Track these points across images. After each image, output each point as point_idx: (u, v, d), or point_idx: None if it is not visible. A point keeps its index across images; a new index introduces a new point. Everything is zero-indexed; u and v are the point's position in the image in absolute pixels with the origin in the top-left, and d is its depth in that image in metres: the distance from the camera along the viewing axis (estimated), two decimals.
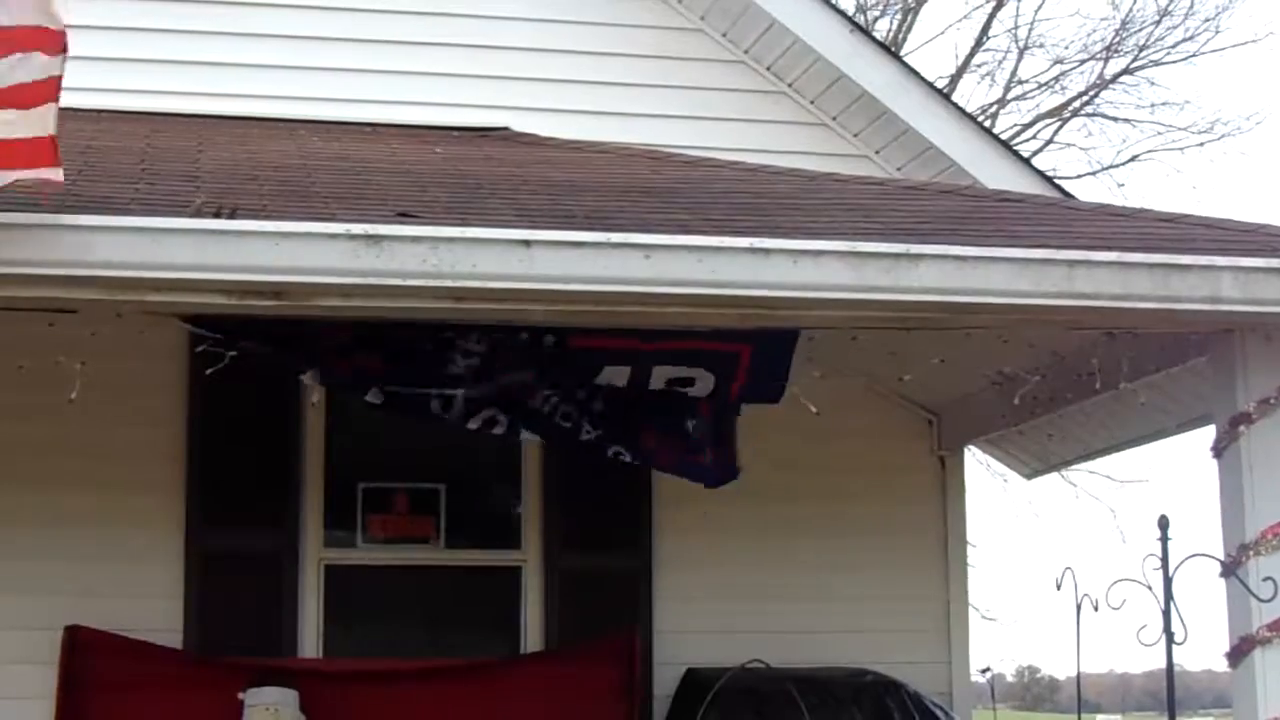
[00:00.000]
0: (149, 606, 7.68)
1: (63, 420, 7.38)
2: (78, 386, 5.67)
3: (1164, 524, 6.75)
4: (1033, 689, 57.56)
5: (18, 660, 7.46)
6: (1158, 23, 24.85)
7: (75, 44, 7.96)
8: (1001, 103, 25.12)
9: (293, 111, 8.20)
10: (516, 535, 8.16)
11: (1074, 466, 8.73)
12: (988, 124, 16.51)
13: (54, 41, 4.67)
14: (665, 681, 7.93)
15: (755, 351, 6.18)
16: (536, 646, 8.03)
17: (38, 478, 7.62)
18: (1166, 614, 6.45)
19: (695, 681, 7.71)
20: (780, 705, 7.40)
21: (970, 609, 8.83)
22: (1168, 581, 6.48)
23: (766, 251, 5.25)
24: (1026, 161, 9.21)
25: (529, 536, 8.12)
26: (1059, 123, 25.45)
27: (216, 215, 5.02)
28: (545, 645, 8.02)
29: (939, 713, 7.79)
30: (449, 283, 5.04)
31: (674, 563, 8.14)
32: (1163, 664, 6.96)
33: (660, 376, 6.30)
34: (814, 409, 6.35)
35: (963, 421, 8.36)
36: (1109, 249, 5.60)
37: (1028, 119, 25.30)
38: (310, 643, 7.88)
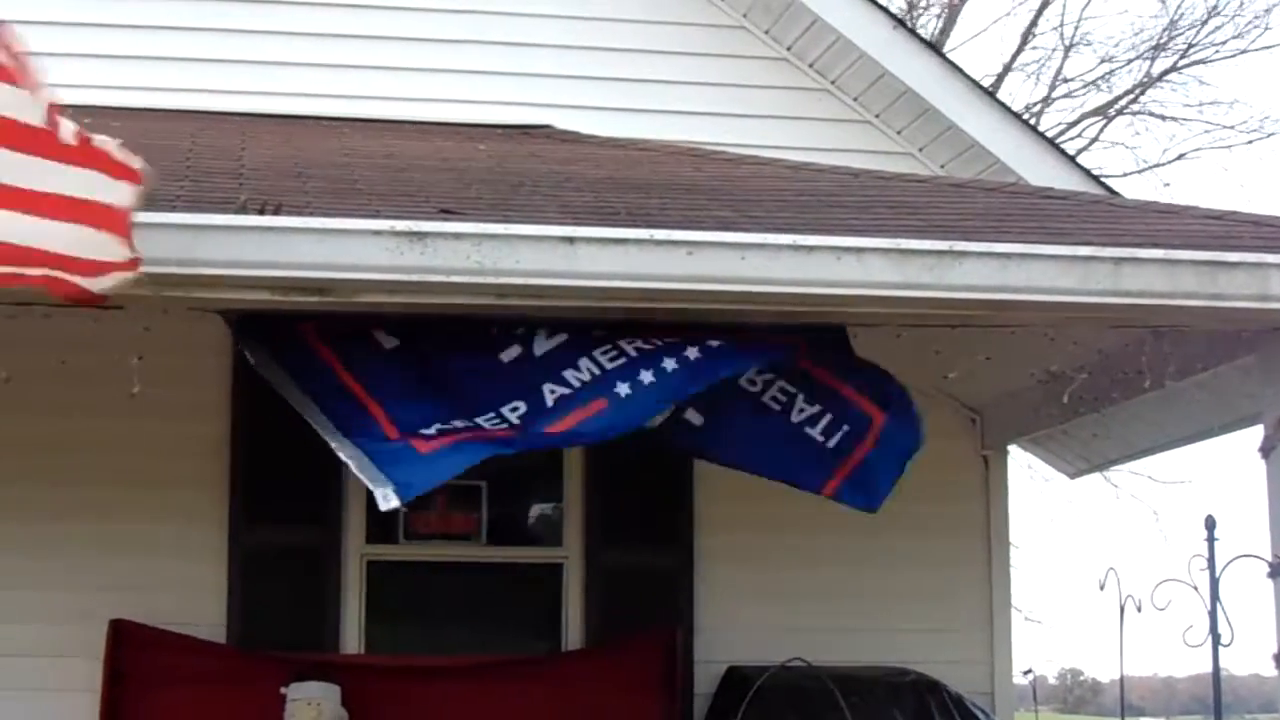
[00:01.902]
0: (193, 601, 7.71)
1: (107, 416, 7.44)
2: (136, 382, 5.69)
3: (1210, 524, 6.72)
4: (1075, 691, 57.29)
5: (64, 654, 7.51)
6: (1206, 21, 24.70)
7: (120, 43, 8.11)
8: (1047, 101, 25.05)
9: (336, 110, 8.23)
10: (558, 532, 8.16)
11: (1118, 466, 8.66)
12: (1032, 122, 16.41)
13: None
14: (706, 679, 7.92)
15: (809, 345, 6.12)
16: (577, 643, 8.04)
17: (82, 473, 7.66)
18: (1213, 615, 6.43)
19: (736, 679, 7.70)
20: (821, 704, 7.39)
21: (1013, 610, 8.77)
22: (1214, 582, 6.46)
23: (809, 248, 5.25)
24: (1071, 159, 9.17)
25: (570, 533, 8.12)
26: (1104, 121, 25.35)
27: (261, 212, 5.04)
28: (586, 642, 8.02)
29: (980, 714, 7.76)
30: (492, 279, 5.05)
31: (716, 560, 8.13)
32: (1208, 668, 6.93)
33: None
34: None
35: (1006, 420, 8.33)
36: (1155, 246, 5.57)
37: (1073, 117, 25.21)
38: (352, 638, 7.89)
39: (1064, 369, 7.06)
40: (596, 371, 5.95)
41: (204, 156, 6.56)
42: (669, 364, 6.03)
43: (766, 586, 8.14)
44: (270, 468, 7.80)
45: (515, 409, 5.82)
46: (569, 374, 5.90)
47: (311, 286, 5.06)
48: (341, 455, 5.68)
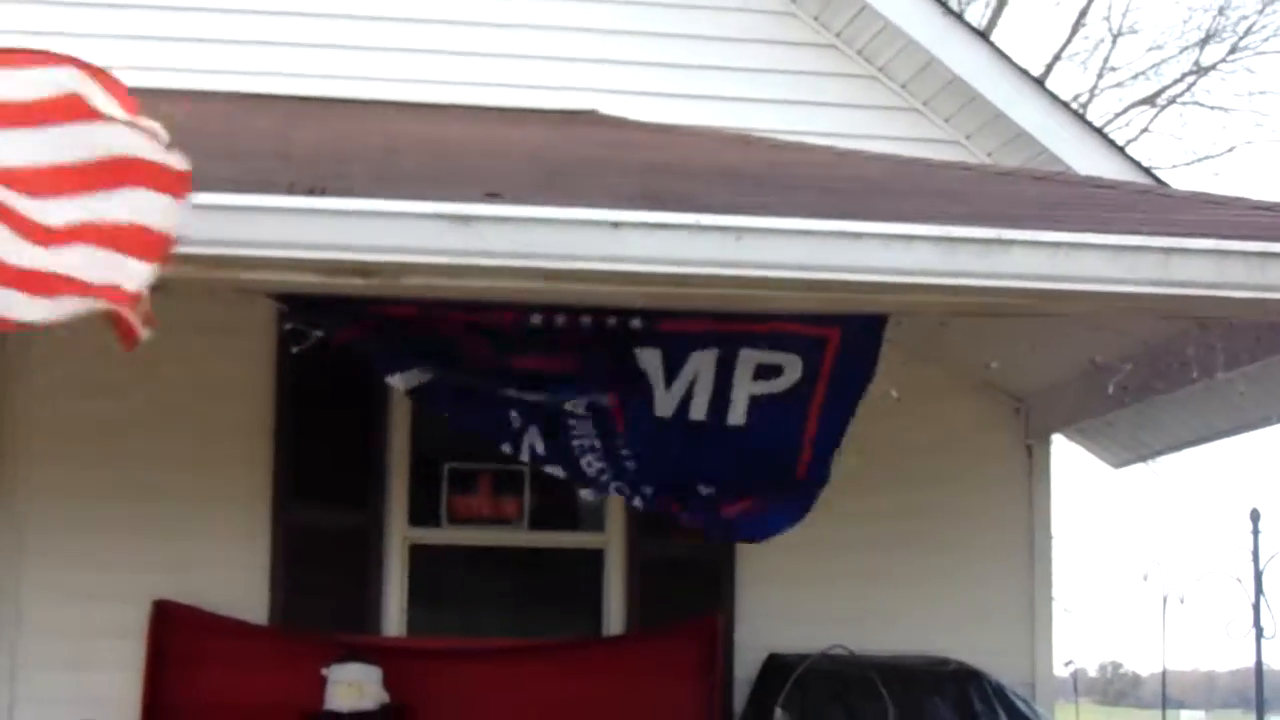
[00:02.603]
0: (235, 582, 7.76)
1: (151, 396, 7.48)
2: (178, 360, 5.71)
3: (1255, 517, 6.68)
4: (1115, 684, 57.17)
5: (107, 634, 7.57)
6: (1261, 10, 24.52)
7: (167, 24, 8.12)
8: (1094, 90, 24.92)
9: (381, 93, 8.22)
10: (600, 518, 8.16)
11: (1162, 457, 8.61)
12: (1080, 112, 16.33)
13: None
14: (746, 665, 7.92)
15: (844, 336, 6.11)
16: (618, 629, 8.05)
17: (126, 453, 7.70)
18: (1257, 608, 6.39)
19: (777, 666, 7.70)
20: (862, 691, 7.38)
21: (1053, 601, 8.74)
22: (1258, 575, 6.41)
23: (857, 235, 5.21)
24: (1120, 148, 9.12)
25: (612, 519, 8.12)
26: (1154, 111, 25.22)
27: (308, 193, 5.03)
28: (626, 628, 8.03)
29: (1021, 704, 7.74)
30: (538, 263, 5.02)
31: (757, 547, 8.08)
32: (1250, 662, 6.89)
33: (748, 362, 6.22)
34: (895, 394, 6.31)
35: (1051, 410, 8.29)
36: (1204, 236, 5.52)
37: (1121, 107, 25.09)
38: (394, 621, 7.92)
39: (1110, 359, 7.03)
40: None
41: (250, 139, 6.57)
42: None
43: (807, 574, 8.13)
44: (314, 450, 7.83)
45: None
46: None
47: (357, 269, 5.05)
48: None
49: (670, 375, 6.27)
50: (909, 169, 7.18)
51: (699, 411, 6.40)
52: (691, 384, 6.33)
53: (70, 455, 7.68)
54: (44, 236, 4.33)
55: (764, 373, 6.27)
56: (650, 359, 6.20)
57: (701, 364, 6.26)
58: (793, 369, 6.29)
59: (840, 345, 6.15)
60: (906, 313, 5.84)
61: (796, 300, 5.47)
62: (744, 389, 6.32)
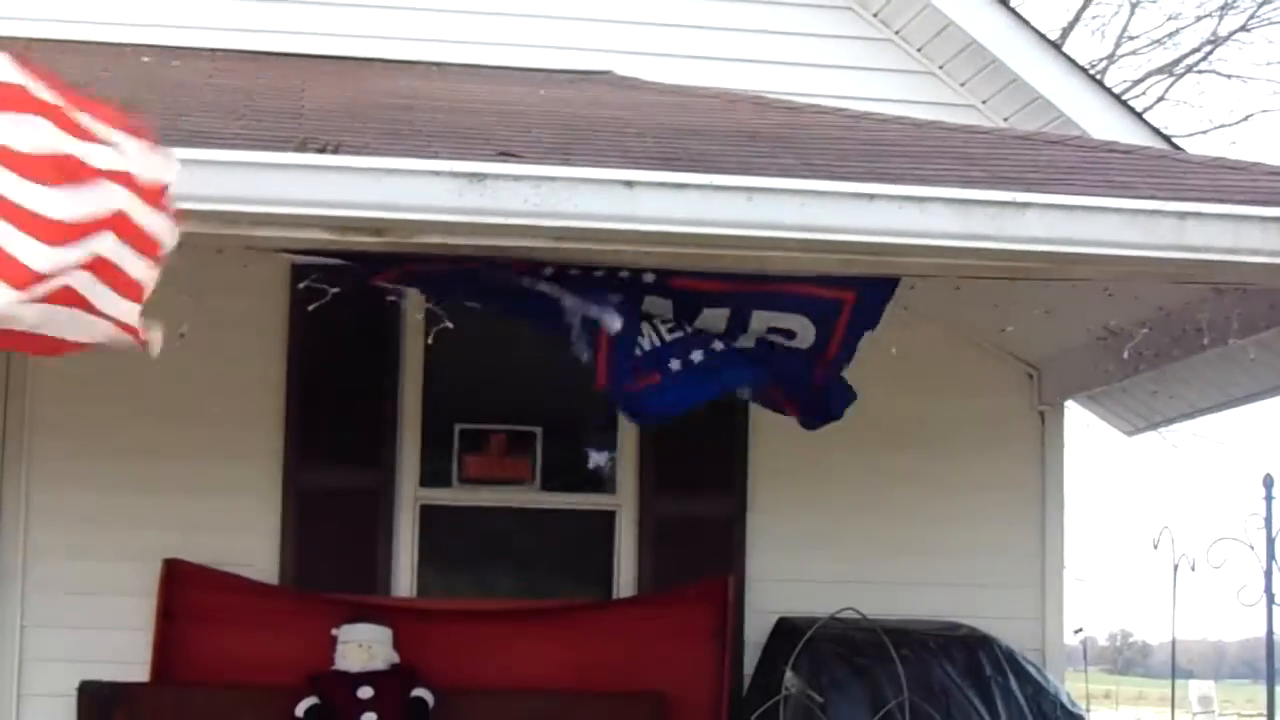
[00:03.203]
0: (246, 541, 7.76)
1: (164, 356, 7.43)
2: (186, 321, 5.68)
3: (1269, 483, 6.65)
4: (1125, 653, 57.26)
5: (118, 591, 7.57)
6: None
7: None
8: (1111, 58, 24.81)
9: (396, 52, 8.20)
10: (611, 479, 8.16)
11: (1176, 424, 8.60)
12: (1097, 77, 16.26)
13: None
14: (757, 628, 7.91)
15: (859, 298, 6.08)
16: (629, 591, 8.05)
17: (136, 412, 7.70)
18: (1268, 574, 6.38)
19: (787, 629, 7.69)
20: (872, 655, 7.37)
21: (1064, 568, 8.73)
22: (1270, 542, 6.40)
23: (871, 196, 5.20)
24: (1136, 114, 9.09)
25: (624, 481, 8.12)
26: (1171, 79, 25.12)
27: (320, 151, 5.03)
28: (638, 590, 8.03)
29: (1032, 669, 7.73)
30: (551, 222, 5.02)
31: (768, 510, 8.12)
32: (1259, 632, 6.89)
33: (760, 323, 6.17)
34: (893, 350, 6.29)
35: (1064, 376, 8.27)
36: (1221, 201, 5.50)
37: (1139, 74, 24.98)
38: (404, 581, 7.91)
39: (1124, 325, 7.01)
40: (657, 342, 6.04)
41: (263, 96, 6.55)
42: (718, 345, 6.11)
43: (818, 538, 8.13)
44: (326, 410, 7.83)
45: None
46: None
47: (369, 226, 5.04)
48: None
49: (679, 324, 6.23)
50: (925, 132, 7.15)
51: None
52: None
53: (79, 414, 7.68)
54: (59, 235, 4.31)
55: (776, 334, 6.24)
56: (662, 306, 6.13)
57: (712, 321, 6.21)
58: (806, 333, 6.22)
59: (855, 308, 6.10)
60: (920, 276, 5.82)
61: (810, 262, 5.45)
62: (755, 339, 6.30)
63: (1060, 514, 8.49)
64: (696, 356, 6.23)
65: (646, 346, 6.19)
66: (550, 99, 7.33)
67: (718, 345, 6.23)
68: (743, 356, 6.29)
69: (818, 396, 6.50)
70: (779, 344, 6.26)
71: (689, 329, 6.15)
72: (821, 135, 6.72)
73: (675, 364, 6.22)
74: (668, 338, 6.21)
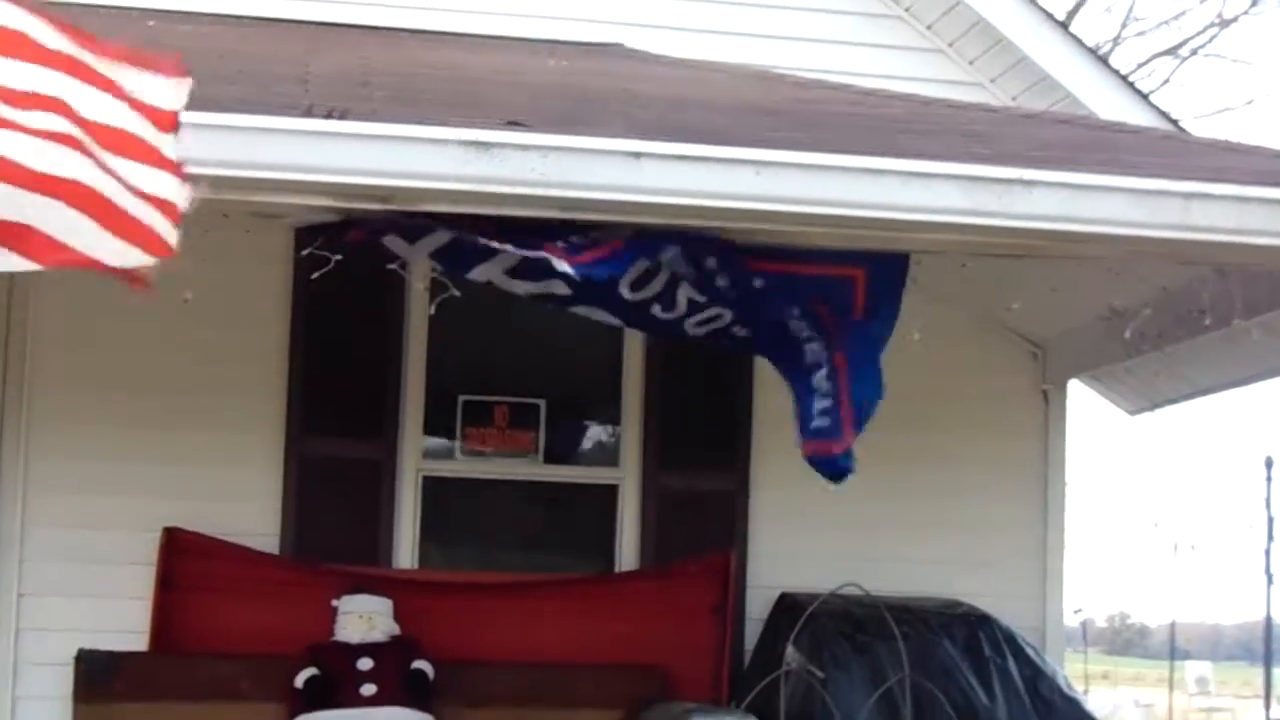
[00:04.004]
0: (247, 511, 7.75)
1: (166, 323, 7.46)
2: (191, 288, 5.67)
3: (1269, 464, 6.64)
4: (1123, 634, 57.34)
5: (117, 560, 7.56)
6: None
7: None
8: (1117, 40, 24.78)
9: (404, 21, 8.16)
10: (615, 453, 8.16)
11: (1178, 405, 8.59)
12: (1104, 58, 16.22)
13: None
14: (758, 604, 7.93)
15: (870, 275, 6.04)
16: (631, 565, 8.05)
17: (140, 380, 7.69)
18: (1268, 554, 6.37)
19: (789, 604, 7.70)
20: (873, 631, 7.37)
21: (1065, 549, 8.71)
22: (1270, 522, 6.38)
23: (878, 172, 5.19)
24: (1142, 95, 9.06)
25: (627, 454, 8.12)
26: (1176, 62, 25.08)
27: (327, 117, 5.01)
28: (640, 564, 8.03)
29: (1030, 651, 7.72)
30: (557, 192, 5.00)
31: (771, 485, 8.11)
32: (1256, 615, 6.90)
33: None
34: (916, 335, 6.28)
35: (1068, 355, 8.27)
36: (1226, 182, 5.49)
37: (1144, 57, 24.95)
38: (405, 553, 7.91)
39: (1128, 305, 7.00)
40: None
41: (269, 62, 6.53)
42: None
43: (820, 515, 8.11)
44: (329, 380, 7.82)
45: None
46: None
47: (375, 194, 5.03)
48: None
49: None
50: (932, 109, 7.14)
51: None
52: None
53: (80, 379, 7.67)
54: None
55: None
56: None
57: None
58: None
59: (868, 286, 6.06)
60: (927, 252, 5.79)
61: (816, 236, 5.45)
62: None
63: (1062, 493, 8.49)
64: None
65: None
66: (558, 70, 7.31)
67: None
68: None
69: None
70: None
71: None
72: (829, 110, 6.70)
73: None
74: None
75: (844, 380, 6.33)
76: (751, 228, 5.29)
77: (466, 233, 5.39)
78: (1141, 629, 58.10)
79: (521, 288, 6.02)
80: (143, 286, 4.68)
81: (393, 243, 5.82)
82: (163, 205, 4.56)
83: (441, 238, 5.66)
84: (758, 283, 5.94)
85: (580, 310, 6.17)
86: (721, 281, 5.93)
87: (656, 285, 5.98)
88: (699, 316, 6.17)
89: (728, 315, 6.18)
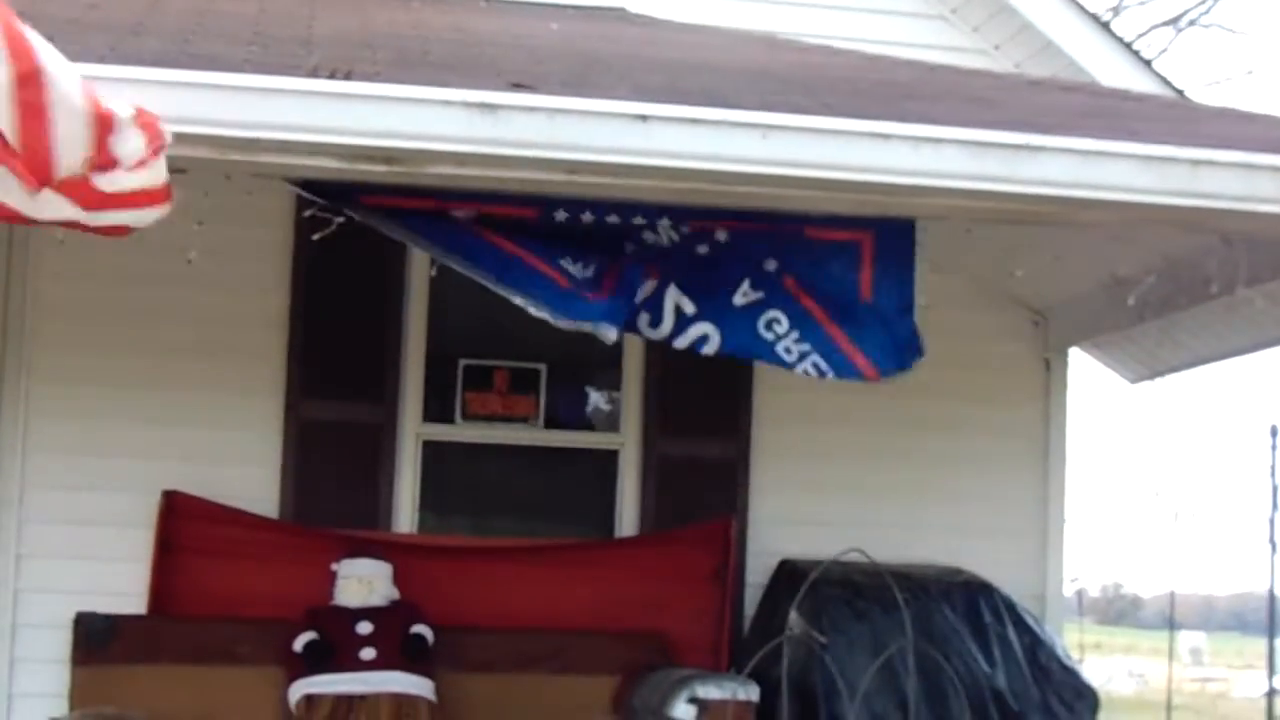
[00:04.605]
0: (246, 474, 7.72)
1: (166, 285, 7.44)
2: (194, 250, 5.66)
3: (1275, 432, 6.63)
4: (1116, 604, 57.44)
5: (115, 522, 7.53)
6: None
7: None
8: (1117, 9, 24.71)
9: None
10: (615, 418, 8.15)
11: (1179, 373, 8.58)
12: (1108, 26, 16.17)
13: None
14: (758, 570, 7.93)
15: (876, 241, 6.02)
16: (631, 530, 8.04)
17: (140, 342, 7.66)
18: (1272, 523, 6.36)
19: (789, 571, 7.70)
20: (873, 598, 7.37)
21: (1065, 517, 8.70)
22: (1275, 490, 6.38)
23: (886, 136, 5.17)
24: (1146, 62, 9.03)
25: (628, 420, 8.10)
26: (1175, 33, 25.02)
27: (331, 77, 4.98)
28: (639, 530, 8.02)
29: (1030, 620, 7.72)
30: (564, 154, 4.98)
31: (772, 452, 8.10)
32: (1249, 588, 6.90)
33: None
34: (922, 300, 6.27)
35: (1070, 323, 8.25)
36: (1233, 149, 5.48)
37: (1144, 28, 24.89)
38: (405, 517, 7.90)
39: (1131, 273, 6.98)
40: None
41: (272, 23, 6.49)
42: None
43: (820, 481, 8.13)
44: (329, 343, 7.78)
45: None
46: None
47: (379, 155, 5.00)
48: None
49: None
50: (938, 75, 7.12)
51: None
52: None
53: (79, 341, 7.64)
54: None
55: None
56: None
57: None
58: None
59: (875, 251, 6.04)
60: (933, 217, 5.79)
61: (823, 200, 5.43)
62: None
63: (1063, 462, 8.48)
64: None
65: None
66: (562, 33, 7.28)
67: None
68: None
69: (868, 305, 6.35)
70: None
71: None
72: (835, 75, 6.68)
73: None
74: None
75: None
76: (757, 191, 5.26)
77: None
78: (1134, 599, 58.22)
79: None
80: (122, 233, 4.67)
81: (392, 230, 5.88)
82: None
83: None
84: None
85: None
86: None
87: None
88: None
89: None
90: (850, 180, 5.19)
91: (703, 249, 6.13)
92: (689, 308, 6.16)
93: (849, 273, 6.13)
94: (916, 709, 6.88)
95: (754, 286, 6.22)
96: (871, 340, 6.27)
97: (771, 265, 6.15)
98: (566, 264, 5.89)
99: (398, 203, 5.81)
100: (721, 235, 6.10)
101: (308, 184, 5.78)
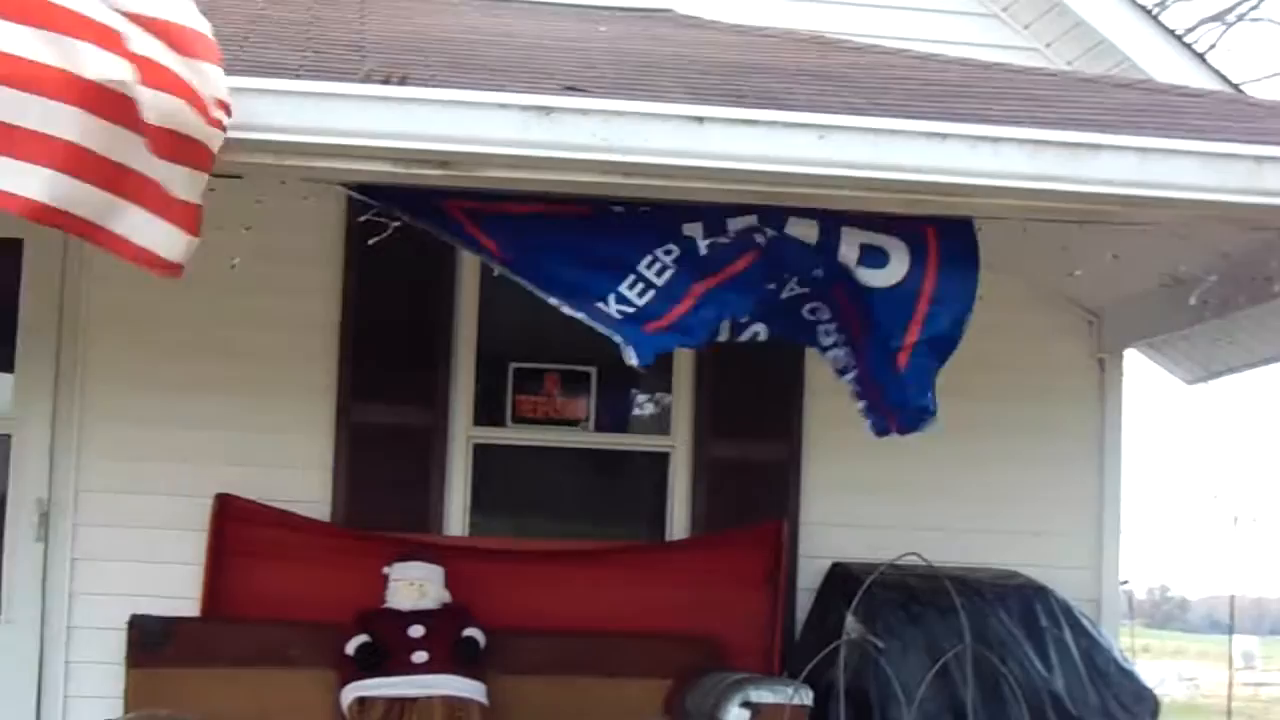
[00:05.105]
0: (298, 477, 7.73)
1: (219, 289, 7.43)
2: (244, 254, 5.67)
3: None
4: (1163, 607, 57.13)
5: (169, 526, 7.55)
6: None
7: None
8: (1163, 3, 24.57)
9: None
10: (666, 421, 8.12)
11: (1236, 374, 8.51)
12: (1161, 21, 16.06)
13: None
14: (809, 574, 7.89)
15: (939, 234, 5.98)
16: (682, 533, 8.01)
17: (191, 346, 7.67)
18: None
19: (842, 574, 7.65)
20: (927, 602, 7.31)
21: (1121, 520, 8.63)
22: None
23: (943, 136, 5.15)
24: (1201, 58, 8.94)
25: (679, 422, 8.07)
26: (1223, 27, 24.85)
27: (386, 82, 4.98)
28: (690, 532, 7.99)
29: (1086, 623, 7.65)
30: (619, 157, 4.98)
31: (823, 454, 8.06)
32: None
33: (852, 242, 6.03)
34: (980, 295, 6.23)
35: (1125, 323, 8.18)
36: None
37: (1191, 23, 24.73)
38: (456, 520, 7.89)
39: (1189, 271, 6.92)
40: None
41: (324, 29, 6.50)
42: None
43: (872, 484, 8.07)
44: (380, 346, 7.79)
45: (669, 251, 5.91)
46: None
47: (434, 159, 5.00)
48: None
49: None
50: (991, 74, 7.07)
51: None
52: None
53: (133, 346, 7.65)
54: None
55: (871, 259, 6.07)
56: (746, 221, 6.00)
57: (801, 232, 6.04)
58: (899, 257, 6.06)
59: (940, 241, 5.99)
60: (990, 217, 5.75)
61: (878, 202, 5.40)
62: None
63: (1118, 463, 8.41)
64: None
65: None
66: (612, 35, 7.26)
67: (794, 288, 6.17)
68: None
69: (899, 376, 6.36)
70: (869, 285, 6.10)
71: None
72: (887, 75, 6.64)
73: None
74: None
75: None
76: (814, 193, 5.24)
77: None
78: (1181, 602, 57.88)
79: None
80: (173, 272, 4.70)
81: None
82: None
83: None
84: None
85: None
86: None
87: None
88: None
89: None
90: (907, 180, 5.17)
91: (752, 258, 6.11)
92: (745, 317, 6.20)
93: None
94: (974, 714, 6.83)
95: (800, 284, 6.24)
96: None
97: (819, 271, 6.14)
98: (626, 290, 5.89)
99: (478, 206, 5.81)
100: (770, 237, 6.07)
101: (360, 188, 5.78)
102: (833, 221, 5.87)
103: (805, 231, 5.91)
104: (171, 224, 4.64)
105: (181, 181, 4.61)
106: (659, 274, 5.90)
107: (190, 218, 4.68)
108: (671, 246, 5.92)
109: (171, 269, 4.73)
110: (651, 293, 5.94)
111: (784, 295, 6.30)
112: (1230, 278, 6.68)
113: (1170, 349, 8.66)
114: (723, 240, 5.95)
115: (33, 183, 4.38)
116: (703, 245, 5.94)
